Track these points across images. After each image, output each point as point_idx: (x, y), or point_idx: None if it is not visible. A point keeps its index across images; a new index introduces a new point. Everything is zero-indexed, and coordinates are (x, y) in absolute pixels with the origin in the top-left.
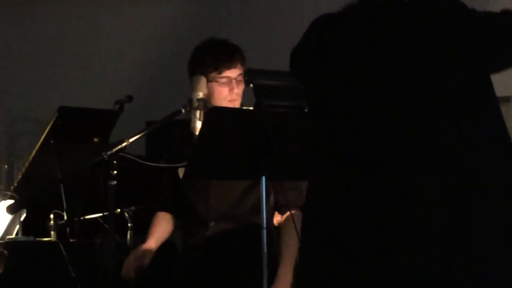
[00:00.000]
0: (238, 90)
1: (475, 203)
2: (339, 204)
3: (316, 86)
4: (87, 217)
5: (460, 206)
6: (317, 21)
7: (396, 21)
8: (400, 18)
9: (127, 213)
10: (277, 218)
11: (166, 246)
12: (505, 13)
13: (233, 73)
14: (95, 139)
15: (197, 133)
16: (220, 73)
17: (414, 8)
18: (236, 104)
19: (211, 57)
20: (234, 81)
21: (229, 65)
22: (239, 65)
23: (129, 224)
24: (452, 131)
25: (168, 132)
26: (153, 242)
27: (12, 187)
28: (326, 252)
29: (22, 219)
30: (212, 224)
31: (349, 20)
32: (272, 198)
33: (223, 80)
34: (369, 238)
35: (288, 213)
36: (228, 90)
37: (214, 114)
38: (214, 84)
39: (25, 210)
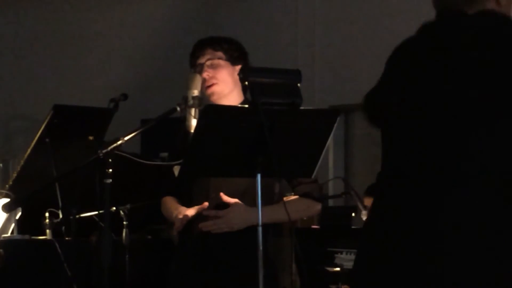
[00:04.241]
0: (209, 73)
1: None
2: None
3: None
4: (82, 215)
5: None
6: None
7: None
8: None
9: (123, 211)
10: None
11: (163, 243)
12: None
13: (203, 59)
14: (90, 137)
15: (192, 131)
16: (194, 64)
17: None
18: (215, 88)
19: (190, 56)
20: (204, 66)
21: (198, 54)
22: (210, 50)
23: (124, 222)
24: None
25: (163, 130)
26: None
27: (7, 186)
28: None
29: (17, 217)
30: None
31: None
32: (277, 188)
33: (197, 69)
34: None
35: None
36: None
37: (209, 112)
38: None
39: (20, 209)
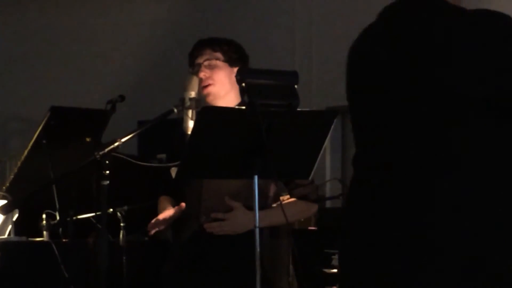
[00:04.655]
0: (206, 73)
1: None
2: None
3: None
4: (79, 217)
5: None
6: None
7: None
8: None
9: (120, 213)
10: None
11: (160, 243)
12: None
13: (201, 59)
14: (87, 139)
15: (189, 132)
16: (192, 64)
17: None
18: (211, 89)
19: (189, 55)
20: (202, 66)
21: (197, 54)
22: (208, 51)
23: (121, 224)
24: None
25: (160, 132)
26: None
27: (4, 187)
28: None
29: (14, 219)
30: (203, 218)
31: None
32: (272, 189)
33: (195, 69)
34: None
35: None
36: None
37: (206, 114)
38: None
39: (17, 210)
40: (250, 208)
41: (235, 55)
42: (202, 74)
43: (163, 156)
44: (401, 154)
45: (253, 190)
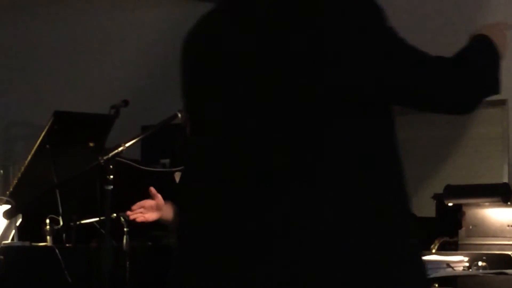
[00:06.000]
0: None
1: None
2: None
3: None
4: (83, 221)
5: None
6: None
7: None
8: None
9: (123, 218)
10: None
11: (162, 249)
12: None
13: None
14: (91, 144)
15: None
16: None
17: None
18: None
19: None
20: None
21: None
22: None
23: (125, 229)
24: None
25: (164, 137)
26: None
27: (8, 192)
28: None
29: (18, 224)
30: None
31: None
32: None
33: None
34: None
35: None
36: None
37: None
38: None
39: (21, 215)
40: None
41: None
42: None
43: (166, 161)
44: (253, 159)
45: None
